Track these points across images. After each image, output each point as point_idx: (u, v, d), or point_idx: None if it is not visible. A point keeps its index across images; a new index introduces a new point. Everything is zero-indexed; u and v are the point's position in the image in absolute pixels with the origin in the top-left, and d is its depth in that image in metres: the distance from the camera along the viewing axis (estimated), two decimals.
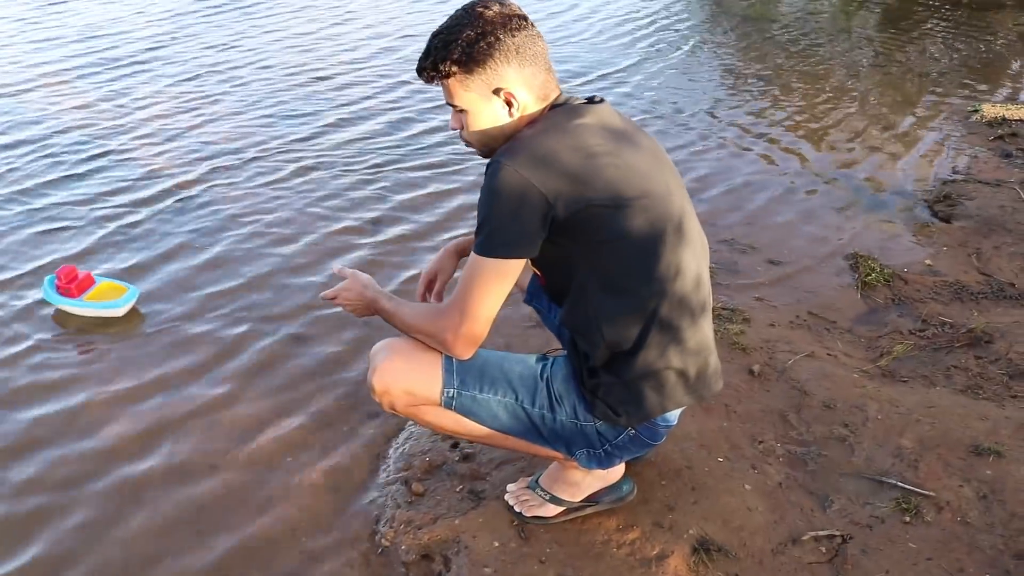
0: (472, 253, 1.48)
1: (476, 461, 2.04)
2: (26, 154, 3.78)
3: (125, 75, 4.85)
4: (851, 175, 3.81)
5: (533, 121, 1.51)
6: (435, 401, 1.61)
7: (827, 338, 2.57)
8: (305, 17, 6.21)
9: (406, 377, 1.59)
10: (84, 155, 3.77)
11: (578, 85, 4.85)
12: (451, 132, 4.01)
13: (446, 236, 3.13)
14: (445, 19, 1.50)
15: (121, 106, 4.37)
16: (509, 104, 1.49)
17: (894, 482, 1.91)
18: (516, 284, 1.59)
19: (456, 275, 1.91)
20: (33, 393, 2.31)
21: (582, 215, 1.43)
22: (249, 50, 5.37)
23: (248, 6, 6.46)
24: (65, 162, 3.71)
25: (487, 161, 1.48)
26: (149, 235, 3.13)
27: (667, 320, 1.53)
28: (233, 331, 2.58)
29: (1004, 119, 4.38)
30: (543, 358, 1.68)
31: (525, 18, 1.50)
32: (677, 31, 6.13)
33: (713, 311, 1.84)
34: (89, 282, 2.64)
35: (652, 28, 6.16)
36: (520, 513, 1.82)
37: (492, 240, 1.45)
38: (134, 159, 3.76)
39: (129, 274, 2.86)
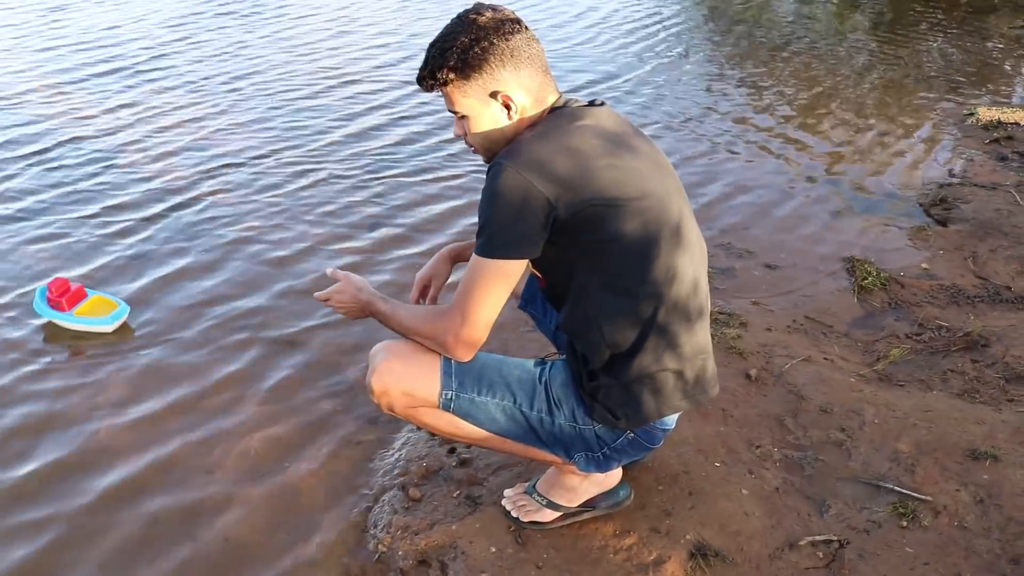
0: (473, 255, 1.48)
1: (473, 466, 2.03)
2: (21, 164, 3.76)
3: (123, 84, 4.84)
4: (847, 179, 3.82)
5: (533, 124, 1.53)
6: (433, 403, 1.61)
7: (824, 342, 2.57)
8: (306, 26, 6.21)
9: (405, 379, 1.59)
10: (80, 165, 3.76)
11: (570, 92, 4.86)
12: (450, 141, 4.06)
13: (444, 243, 3.12)
14: (440, 29, 1.52)
15: (118, 116, 4.35)
16: (507, 107, 1.51)
17: (891, 486, 1.91)
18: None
19: (451, 280, 1.92)
20: (23, 405, 2.28)
21: (583, 215, 1.43)
22: (248, 59, 5.36)
23: (248, 15, 6.47)
24: (61, 172, 3.69)
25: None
26: (144, 245, 3.10)
27: (665, 324, 1.53)
28: (228, 339, 2.58)
29: (1000, 122, 4.39)
30: (541, 362, 1.68)
31: (519, 21, 1.51)
32: (673, 36, 6.14)
33: (710, 315, 1.84)
34: (81, 295, 2.61)
35: (645, 33, 6.18)
36: (517, 518, 1.82)
37: (494, 241, 1.45)
38: (130, 168, 3.74)
39: (123, 285, 2.84)
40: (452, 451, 2.08)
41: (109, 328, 2.56)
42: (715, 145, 4.17)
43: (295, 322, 2.66)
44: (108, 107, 4.44)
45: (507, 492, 1.88)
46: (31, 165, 3.74)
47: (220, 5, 6.72)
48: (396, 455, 2.10)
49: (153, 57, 5.31)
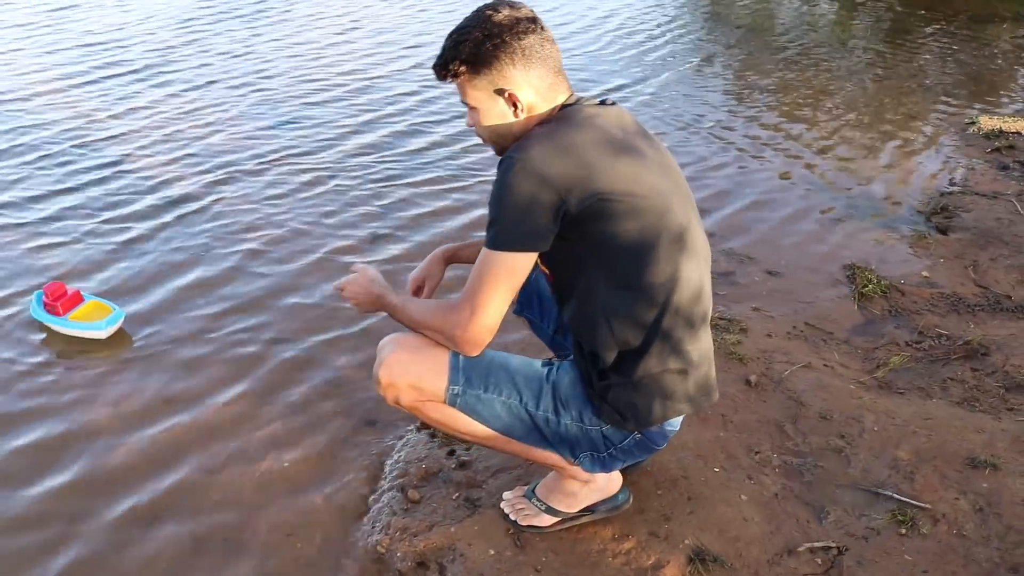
0: (483, 248, 1.48)
1: (472, 469, 2.03)
2: (22, 164, 3.76)
3: (126, 84, 4.84)
4: (848, 186, 3.82)
5: (544, 120, 1.54)
6: (440, 397, 1.61)
7: (824, 349, 2.57)
8: (311, 27, 6.20)
9: (412, 371, 1.59)
10: (81, 166, 3.75)
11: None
12: (456, 147, 4.06)
13: None
14: (461, 19, 1.55)
15: (120, 117, 4.35)
16: (514, 105, 1.52)
17: (890, 494, 1.91)
18: None
19: (445, 280, 1.93)
20: (19, 417, 2.26)
21: (592, 209, 1.44)
22: (253, 60, 5.36)
23: (252, 15, 6.46)
24: (62, 173, 3.69)
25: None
26: (146, 250, 3.09)
27: (671, 325, 1.54)
28: (227, 341, 2.58)
29: (1001, 131, 4.39)
30: (549, 362, 1.68)
31: (535, 20, 1.52)
32: (676, 43, 6.15)
33: (711, 321, 1.85)
34: (77, 300, 2.58)
35: (648, 39, 6.19)
36: (515, 522, 1.82)
37: (503, 234, 1.46)
38: (132, 171, 3.74)
39: (123, 291, 2.82)
40: (451, 453, 2.08)
41: (103, 334, 2.52)
42: (715, 151, 4.17)
43: (295, 326, 2.67)
44: (114, 111, 4.43)
45: (506, 495, 1.88)
46: (36, 168, 3.73)
47: (224, 2, 6.72)
48: (395, 457, 2.10)
49: (159, 59, 5.30)
